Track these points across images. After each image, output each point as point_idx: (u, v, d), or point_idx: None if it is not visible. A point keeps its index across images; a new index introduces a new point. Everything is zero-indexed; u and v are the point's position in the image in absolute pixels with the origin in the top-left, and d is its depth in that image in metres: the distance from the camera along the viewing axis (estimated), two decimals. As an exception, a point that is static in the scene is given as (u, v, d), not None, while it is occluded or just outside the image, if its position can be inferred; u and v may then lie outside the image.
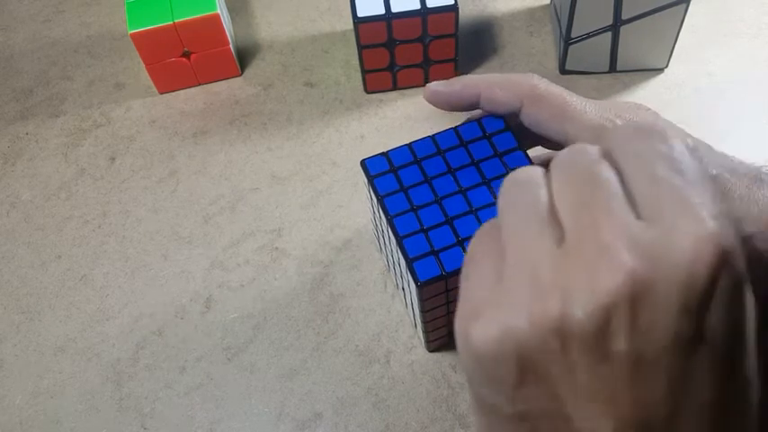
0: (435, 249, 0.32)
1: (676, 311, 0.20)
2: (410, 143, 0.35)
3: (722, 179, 0.31)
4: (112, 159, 0.49)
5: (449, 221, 0.32)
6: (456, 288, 0.33)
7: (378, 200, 0.34)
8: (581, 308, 0.20)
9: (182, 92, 0.52)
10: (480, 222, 0.32)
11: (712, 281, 0.20)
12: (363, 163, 0.35)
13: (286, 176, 0.47)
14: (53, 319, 0.42)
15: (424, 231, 0.32)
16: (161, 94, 0.52)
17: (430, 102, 0.35)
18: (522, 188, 0.24)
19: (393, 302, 0.41)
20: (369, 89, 0.50)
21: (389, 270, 0.41)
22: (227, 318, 0.41)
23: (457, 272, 0.31)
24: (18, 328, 0.42)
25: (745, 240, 0.23)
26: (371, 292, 0.41)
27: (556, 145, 0.39)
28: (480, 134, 0.35)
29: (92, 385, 0.40)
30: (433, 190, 0.33)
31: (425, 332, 0.37)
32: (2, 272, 0.44)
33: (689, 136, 0.33)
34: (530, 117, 0.34)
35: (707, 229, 0.20)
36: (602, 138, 0.24)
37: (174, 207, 0.46)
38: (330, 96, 0.51)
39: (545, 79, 0.34)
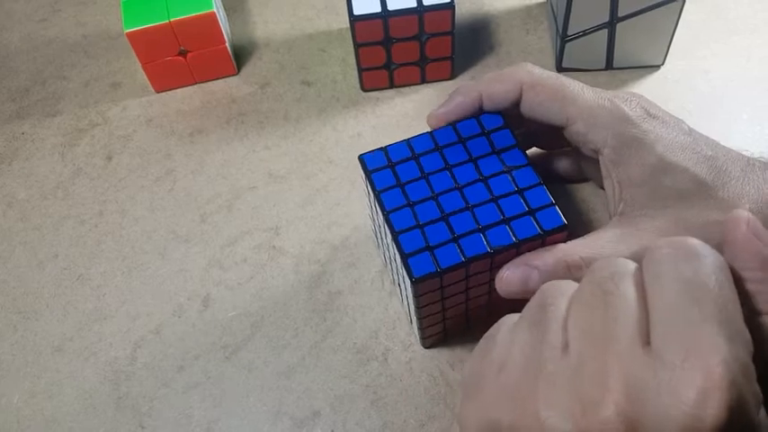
0: (431, 245, 0.32)
1: None
2: (408, 139, 0.35)
3: (719, 160, 0.32)
4: (109, 158, 0.49)
5: (445, 218, 0.32)
6: (451, 284, 0.33)
7: (375, 195, 0.34)
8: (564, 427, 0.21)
9: (178, 91, 0.52)
10: (476, 220, 0.32)
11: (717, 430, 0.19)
12: (361, 158, 0.35)
13: (283, 175, 0.47)
14: (50, 318, 0.42)
15: (420, 227, 0.32)
16: (157, 93, 0.52)
17: (437, 126, 0.36)
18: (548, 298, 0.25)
19: (390, 300, 0.41)
20: (365, 87, 0.50)
21: (386, 266, 0.41)
22: (225, 316, 0.41)
23: (452, 269, 0.31)
24: (15, 327, 0.42)
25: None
26: (369, 289, 0.41)
27: (550, 143, 0.39)
28: (479, 131, 0.35)
29: (89, 384, 0.40)
30: (430, 186, 0.33)
31: (420, 328, 0.37)
32: (-1, 271, 0.44)
33: (685, 124, 0.34)
34: (529, 102, 0.34)
35: (714, 376, 0.19)
36: (642, 254, 0.24)
37: (171, 206, 0.46)
38: (327, 95, 0.51)
39: (539, 66, 0.35)
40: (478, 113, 0.36)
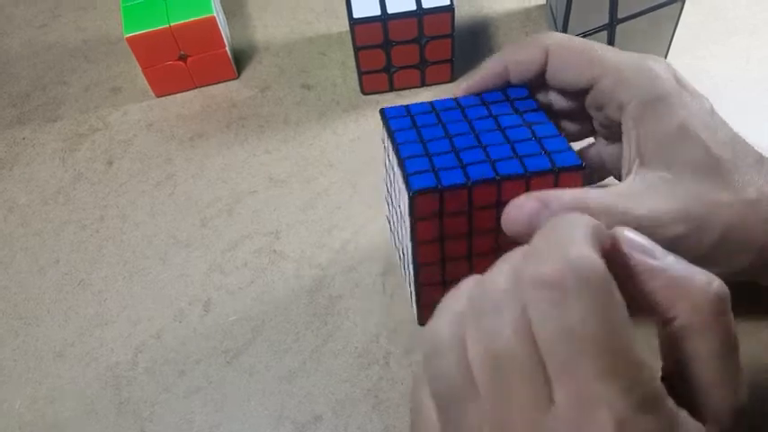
0: (435, 167, 0.30)
1: None
2: (431, 101, 0.35)
3: (735, 146, 0.32)
4: (110, 163, 0.49)
5: (455, 150, 0.31)
6: (453, 215, 0.30)
7: (389, 136, 0.33)
8: None
9: (178, 95, 0.52)
10: (487, 153, 0.31)
11: None
12: (382, 110, 0.34)
13: (283, 179, 0.47)
14: (51, 324, 0.42)
15: (429, 156, 0.31)
16: (158, 97, 0.52)
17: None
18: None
19: (392, 304, 0.41)
20: (365, 90, 0.50)
21: (391, 239, 0.39)
22: (226, 321, 0.41)
23: (454, 188, 0.29)
24: (16, 333, 0.42)
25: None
26: (370, 293, 0.41)
27: (571, 116, 0.38)
28: (503, 98, 0.35)
29: (91, 390, 0.40)
30: (446, 131, 0.33)
31: (417, 292, 0.34)
32: None
33: (708, 102, 0.34)
34: (555, 66, 0.34)
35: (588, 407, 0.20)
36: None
37: (172, 210, 0.46)
38: (327, 98, 0.51)
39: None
40: (504, 87, 0.35)
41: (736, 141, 0.32)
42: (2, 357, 0.41)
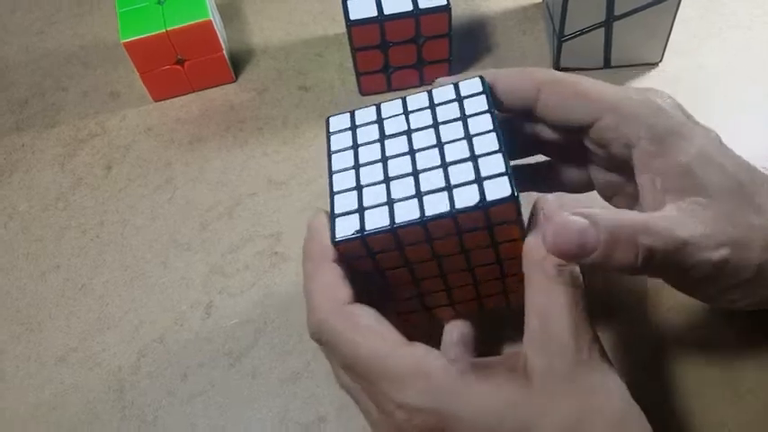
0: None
1: None
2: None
3: (750, 169, 0.31)
4: (109, 168, 0.49)
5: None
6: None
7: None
8: None
9: (176, 99, 0.52)
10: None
11: None
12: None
13: (283, 181, 0.47)
14: (53, 329, 0.42)
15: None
16: (156, 102, 0.52)
17: None
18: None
19: (393, 304, 0.41)
20: (363, 91, 0.50)
21: None
22: (228, 323, 0.41)
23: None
24: (18, 339, 0.42)
25: None
26: (372, 293, 0.41)
27: (561, 149, 0.38)
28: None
29: (94, 395, 0.39)
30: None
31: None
32: (1, 283, 0.44)
33: (714, 133, 0.33)
34: (549, 100, 0.33)
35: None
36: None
37: (172, 214, 0.46)
38: (325, 100, 0.51)
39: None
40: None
41: (749, 167, 0.32)
42: (4, 363, 0.41)
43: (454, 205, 0.28)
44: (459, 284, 0.33)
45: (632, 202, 0.36)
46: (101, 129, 0.51)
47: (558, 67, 0.50)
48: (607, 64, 0.49)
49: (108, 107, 0.52)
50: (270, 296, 0.42)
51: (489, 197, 0.28)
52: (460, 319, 0.36)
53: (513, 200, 0.28)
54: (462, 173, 0.29)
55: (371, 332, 0.29)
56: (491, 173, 0.29)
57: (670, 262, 0.29)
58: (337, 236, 0.29)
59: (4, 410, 0.39)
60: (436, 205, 0.28)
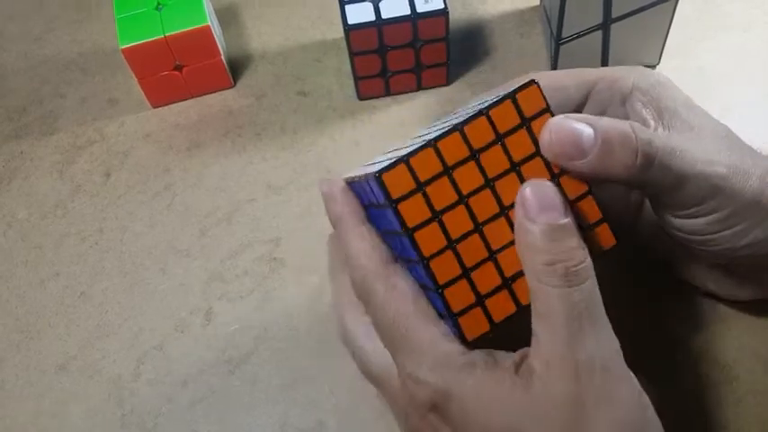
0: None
1: None
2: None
3: (743, 163, 0.32)
4: (107, 175, 0.49)
5: None
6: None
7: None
8: None
9: (175, 105, 0.52)
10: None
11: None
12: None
13: (282, 186, 0.47)
14: (53, 337, 0.42)
15: None
16: (154, 108, 0.52)
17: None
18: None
19: (393, 308, 0.41)
20: (362, 96, 0.50)
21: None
22: (228, 330, 0.41)
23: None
24: (18, 347, 0.42)
25: None
26: (371, 298, 0.41)
27: None
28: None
29: (94, 402, 0.39)
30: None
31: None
32: (0, 291, 0.44)
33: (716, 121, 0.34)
34: (601, 94, 0.34)
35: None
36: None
37: (171, 221, 0.46)
38: (323, 104, 0.51)
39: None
40: None
41: (747, 156, 0.32)
42: (4, 372, 0.41)
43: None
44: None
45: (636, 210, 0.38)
46: (99, 135, 0.51)
47: (555, 70, 0.50)
48: (605, 66, 0.49)
49: (106, 114, 0.52)
50: (269, 302, 0.42)
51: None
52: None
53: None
54: None
55: (405, 297, 0.29)
56: None
57: (669, 169, 0.28)
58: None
59: (3, 419, 0.39)
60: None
